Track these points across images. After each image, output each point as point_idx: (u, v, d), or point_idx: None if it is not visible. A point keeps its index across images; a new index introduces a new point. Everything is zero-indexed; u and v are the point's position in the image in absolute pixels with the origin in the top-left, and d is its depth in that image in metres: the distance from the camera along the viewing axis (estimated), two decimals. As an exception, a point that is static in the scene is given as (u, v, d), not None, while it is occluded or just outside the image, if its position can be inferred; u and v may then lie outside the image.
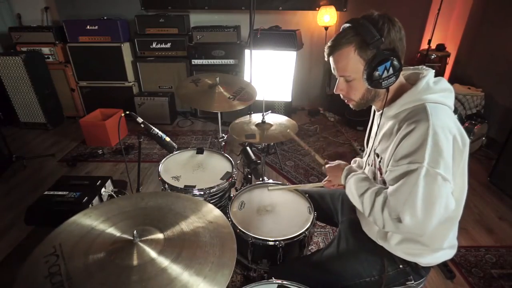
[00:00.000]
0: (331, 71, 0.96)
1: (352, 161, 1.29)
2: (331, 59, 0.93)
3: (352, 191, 0.98)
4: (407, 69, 0.99)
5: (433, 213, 0.79)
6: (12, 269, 1.71)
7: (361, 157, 1.25)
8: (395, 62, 0.84)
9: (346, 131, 3.48)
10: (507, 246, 1.91)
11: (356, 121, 3.48)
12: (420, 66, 0.98)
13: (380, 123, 1.00)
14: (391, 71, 0.84)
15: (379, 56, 0.83)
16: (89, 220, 0.88)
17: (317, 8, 3.42)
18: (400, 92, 0.92)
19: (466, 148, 0.85)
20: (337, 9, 3.39)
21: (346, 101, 1.00)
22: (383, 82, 0.86)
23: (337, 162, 1.17)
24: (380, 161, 0.96)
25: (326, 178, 1.19)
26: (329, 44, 0.91)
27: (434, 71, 0.94)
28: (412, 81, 0.94)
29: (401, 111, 0.90)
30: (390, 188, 0.85)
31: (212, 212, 0.93)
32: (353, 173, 1.03)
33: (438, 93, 0.88)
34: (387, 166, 0.90)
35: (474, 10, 3.23)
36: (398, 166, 0.84)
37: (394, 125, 0.91)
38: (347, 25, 0.88)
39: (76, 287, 0.69)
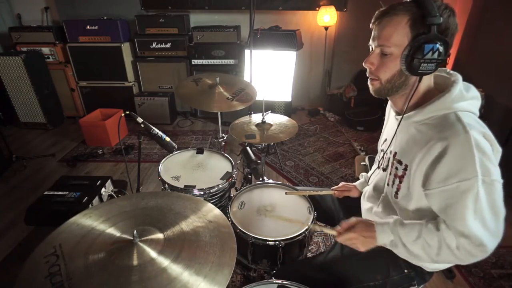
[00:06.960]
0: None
1: (360, 176, 1.28)
2: (376, 25, 0.84)
3: (403, 241, 0.88)
4: None
5: (502, 219, 0.78)
6: (12, 269, 1.72)
7: (365, 165, 1.22)
8: (441, 49, 0.76)
9: (346, 131, 3.48)
10: (507, 246, 1.90)
11: (356, 121, 3.49)
12: (443, 68, 0.91)
13: (400, 127, 0.93)
14: (435, 55, 0.76)
15: (432, 34, 0.75)
16: (89, 220, 0.88)
17: (317, 8, 3.42)
18: (427, 96, 0.86)
19: (498, 155, 0.81)
20: (337, 9, 3.40)
21: (370, 80, 0.90)
22: (422, 65, 0.77)
23: (353, 220, 0.97)
24: (404, 169, 0.89)
25: (345, 238, 0.96)
26: (383, 8, 0.83)
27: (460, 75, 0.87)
28: (439, 85, 0.89)
29: (428, 117, 0.84)
30: (453, 217, 0.78)
31: (212, 211, 0.93)
32: (399, 225, 0.88)
33: (468, 101, 0.83)
34: (423, 184, 0.83)
35: (474, 10, 3.23)
36: (446, 186, 0.77)
37: (420, 133, 0.86)
38: None
39: (76, 287, 0.69)
